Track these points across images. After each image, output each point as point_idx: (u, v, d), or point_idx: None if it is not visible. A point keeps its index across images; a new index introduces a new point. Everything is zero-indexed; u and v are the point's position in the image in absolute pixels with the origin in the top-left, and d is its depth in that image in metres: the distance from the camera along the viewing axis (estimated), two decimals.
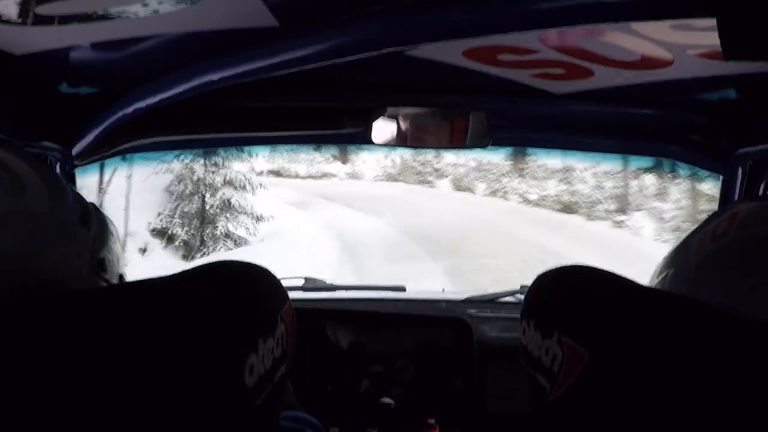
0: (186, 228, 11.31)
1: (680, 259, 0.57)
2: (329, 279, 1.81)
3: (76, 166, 1.09)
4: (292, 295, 1.75)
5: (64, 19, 0.72)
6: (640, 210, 13.56)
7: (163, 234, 11.25)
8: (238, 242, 11.41)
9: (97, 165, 1.18)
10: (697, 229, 0.59)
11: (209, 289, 0.52)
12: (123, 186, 9.85)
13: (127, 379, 0.40)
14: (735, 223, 0.52)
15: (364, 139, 1.21)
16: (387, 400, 1.45)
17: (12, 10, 0.68)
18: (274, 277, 0.59)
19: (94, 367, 0.39)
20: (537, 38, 0.88)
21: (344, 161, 20.66)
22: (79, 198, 0.62)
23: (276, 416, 0.55)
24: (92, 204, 0.66)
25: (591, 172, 14.57)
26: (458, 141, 1.20)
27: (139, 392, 0.40)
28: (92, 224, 0.61)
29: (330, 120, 1.24)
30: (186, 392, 0.42)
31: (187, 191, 11.44)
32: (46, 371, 0.38)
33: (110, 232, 0.67)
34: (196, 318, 0.47)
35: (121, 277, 0.67)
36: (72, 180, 1.08)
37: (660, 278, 0.59)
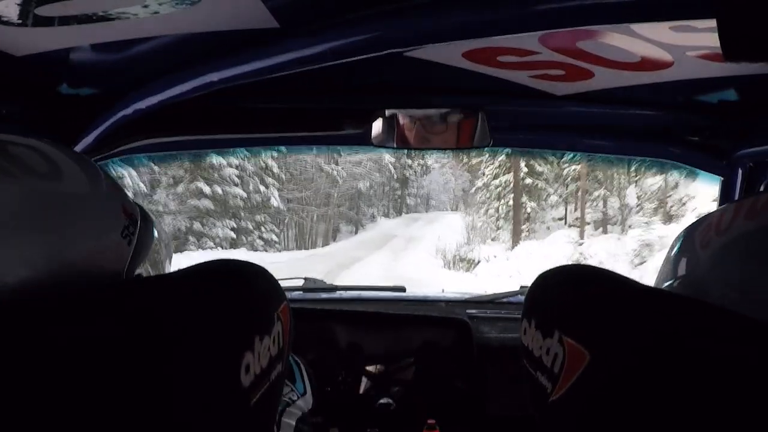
0: None
1: (687, 254, 0.57)
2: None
3: None
4: (292, 295, 1.74)
5: (65, 21, 0.72)
6: None
7: None
8: None
9: None
10: (695, 224, 0.59)
11: (206, 287, 0.52)
12: None
13: (122, 377, 0.40)
14: (741, 214, 0.52)
15: (363, 140, 1.22)
16: (387, 400, 1.45)
17: (12, 12, 0.68)
18: (271, 276, 0.59)
19: (89, 365, 0.39)
20: (537, 39, 0.88)
21: None
22: (128, 205, 0.59)
23: (272, 414, 0.55)
24: (142, 210, 0.63)
25: None
26: (458, 142, 1.20)
27: (134, 390, 0.40)
28: (134, 237, 0.58)
29: (330, 121, 1.24)
30: (182, 390, 0.42)
31: None
32: (39, 370, 0.38)
33: (153, 243, 0.64)
34: (193, 316, 0.47)
35: None
36: None
37: (670, 276, 0.58)
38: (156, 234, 0.66)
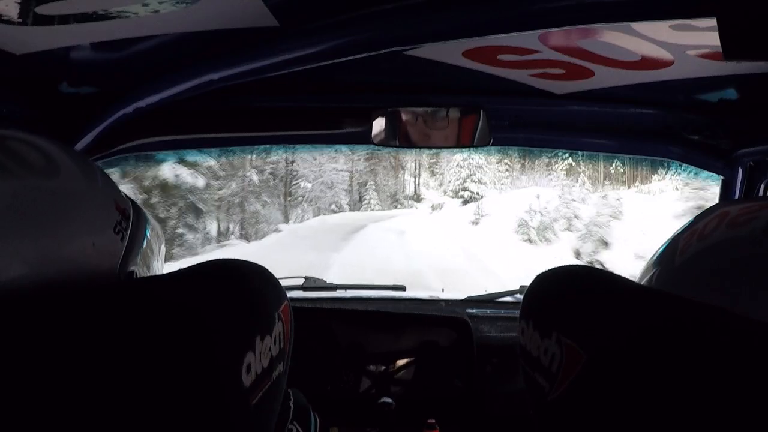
0: None
1: (666, 258, 0.56)
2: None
3: None
4: (292, 294, 1.74)
5: (65, 19, 0.72)
6: None
7: None
8: None
9: None
10: (685, 227, 0.58)
11: (206, 287, 0.52)
12: None
13: (122, 376, 0.40)
14: (724, 223, 0.51)
15: (364, 139, 1.22)
16: (387, 400, 1.45)
17: (13, 10, 0.68)
18: (272, 276, 0.59)
19: (90, 365, 0.40)
20: (537, 38, 0.88)
21: None
22: (120, 200, 0.58)
23: (273, 415, 0.55)
24: (134, 204, 0.62)
25: None
26: (458, 141, 1.20)
27: (134, 390, 0.40)
28: (127, 233, 0.58)
29: (330, 120, 1.24)
30: (182, 390, 0.42)
31: None
32: (41, 369, 0.38)
33: (147, 239, 0.63)
34: (193, 316, 0.47)
35: None
36: None
37: (646, 278, 0.58)
38: (149, 229, 0.65)
